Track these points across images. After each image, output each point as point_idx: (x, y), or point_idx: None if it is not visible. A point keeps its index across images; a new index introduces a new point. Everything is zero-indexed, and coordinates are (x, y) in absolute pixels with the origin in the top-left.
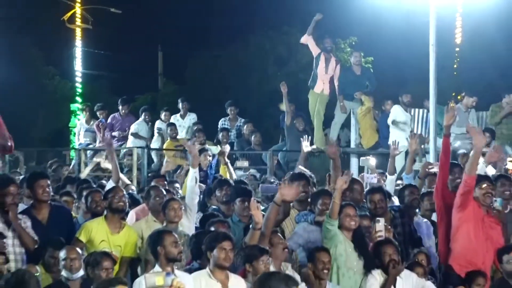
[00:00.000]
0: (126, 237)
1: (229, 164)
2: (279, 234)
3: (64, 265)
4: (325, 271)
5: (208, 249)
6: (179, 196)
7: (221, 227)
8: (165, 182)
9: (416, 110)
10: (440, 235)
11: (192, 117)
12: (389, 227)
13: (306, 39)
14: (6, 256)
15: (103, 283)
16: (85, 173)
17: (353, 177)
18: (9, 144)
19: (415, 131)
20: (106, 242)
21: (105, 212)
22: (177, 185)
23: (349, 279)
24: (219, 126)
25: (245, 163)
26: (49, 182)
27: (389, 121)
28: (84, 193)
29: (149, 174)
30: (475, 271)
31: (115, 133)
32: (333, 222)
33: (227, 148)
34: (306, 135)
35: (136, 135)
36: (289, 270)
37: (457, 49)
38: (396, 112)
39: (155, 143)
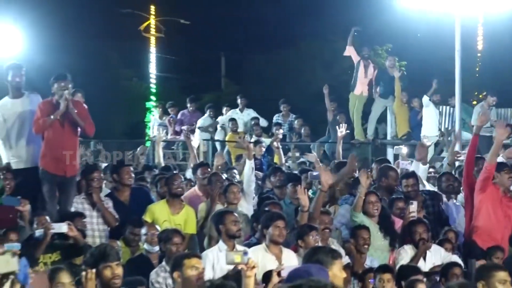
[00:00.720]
0: (185, 217)
1: (280, 150)
2: (329, 215)
3: (145, 239)
4: (366, 246)
5: (264, 227)
6: (236, 181)
7: (274, 207)
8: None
9: (444, 107)
10: (466, 216)
11: (249, 112)
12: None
13: (348, 50)
14: (84, 233)
15: (180, 256)
16: (160, 156)
17: (388, 164)
18: (91, 129)
19: (442, 125)
20: (168, 222)
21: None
22: (235, 171)
23: (377, 258)
24: (273, 121)
25: (296, 153)
26: (132, 169)
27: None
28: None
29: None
30: (494, 246)
31: (184, 127)
32: (357, 215)
33: (279, 133)
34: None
35: (202, 129)
36: (334, 245)
37: (479, 54)
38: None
39: (218, 135)
